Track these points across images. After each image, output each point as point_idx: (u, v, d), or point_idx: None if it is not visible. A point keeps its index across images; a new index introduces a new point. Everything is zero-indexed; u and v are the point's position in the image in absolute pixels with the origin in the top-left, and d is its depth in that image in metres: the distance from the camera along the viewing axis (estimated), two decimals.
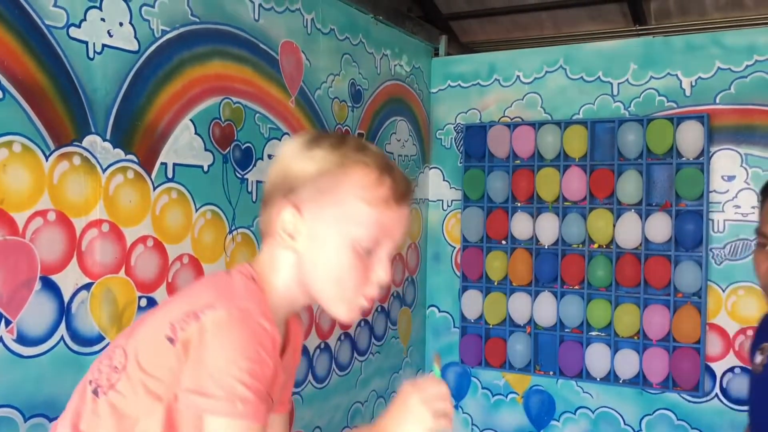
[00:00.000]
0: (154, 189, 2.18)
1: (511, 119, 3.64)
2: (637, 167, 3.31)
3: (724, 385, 3.19)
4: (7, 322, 1.77)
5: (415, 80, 3.72)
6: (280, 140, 2.68)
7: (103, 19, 2.00)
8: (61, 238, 1.89)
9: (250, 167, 2.57)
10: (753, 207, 3.14)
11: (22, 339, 1.80)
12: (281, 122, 2.71)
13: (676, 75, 3.29)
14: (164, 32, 2.20)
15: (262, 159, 2.61)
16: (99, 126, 2.00)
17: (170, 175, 2.23)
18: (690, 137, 3.18)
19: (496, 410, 3.70)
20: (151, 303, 2.15)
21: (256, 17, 2.59)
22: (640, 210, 3.28)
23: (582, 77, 3.50)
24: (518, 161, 3.57)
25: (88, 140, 1.96)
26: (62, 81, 1.89)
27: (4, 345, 1.76)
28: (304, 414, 2.88)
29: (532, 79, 3.61)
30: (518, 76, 3.64)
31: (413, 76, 3.70)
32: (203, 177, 2.36)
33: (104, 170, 2.01)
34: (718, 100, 3.21)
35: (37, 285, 1.84)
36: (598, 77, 3.46)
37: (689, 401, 3.26)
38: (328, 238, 1.12)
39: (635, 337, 3.30)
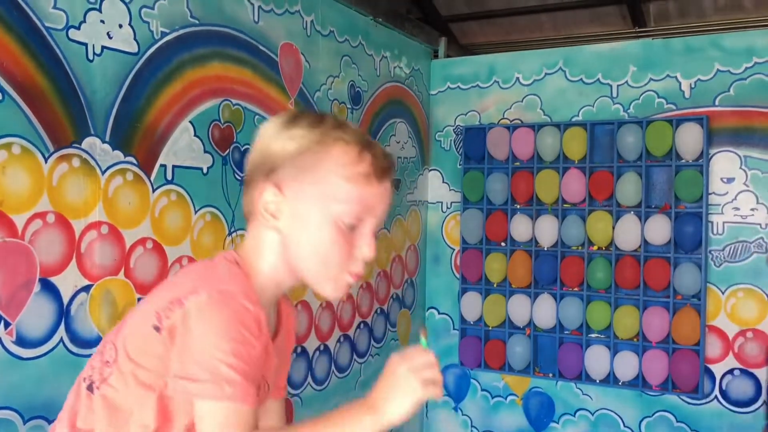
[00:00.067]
0: (154, 191, 2.18)
1: (511, 121, 3.64)
2: (637, 169, 3.31)
3: (724, 387, 3.19)
4: (7, 324, 1.77)
5: (415, 82, 3.72)
6: None
7: (102, 21, 2.01)
8: (61, 240, 1.89)
9: None
10: (752, 209, 3.15)
11: (22, 341, 1.80)
12: None
13: (676, 77, 3.29)
14: (164, 34, 2.20)
15: None
16: (98, 128, 2.00)
17: (169, 177, 2.23)
18: (689, 139, 3.18)
19: (495, 412, 3.70)
20: None
21: (256, 19, 2.59)
22: (639, 212, 3.28)
23: (581, 79, 3.50)
24: (518, 163, 3.57)
25: (87, 142, 1.96)
26: (62, 83, 1.89)
27: (4, 347, 1.76)
28: (304, 415, 2.88)
29: (531, 81, 3.61)
30: (518, 78, 3.65)
31: (413, 78, 3.70)
32: (203, 179, 2.36)
33: (103, 172, 2.01)
34: (717, 102, 3.21)
35: (37, 287, 1.83)
36: (598, 79, 3.46)
37: (689, 403, 3.26)
38: (311, 215, 1.12)
39: (635, 339, 3.30)
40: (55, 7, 1.88)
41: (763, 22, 3.92)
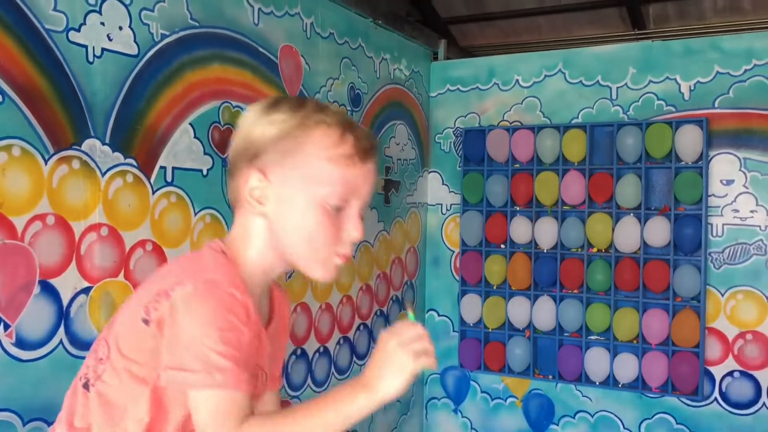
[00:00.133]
0: (154, 193, 2.18)
1: (510, 123, 3.64)
2: (636, 171, 3.31)
3: (723, 389, 3.19)
4: (6, 326, 1.77)
5: (415, 84, 3.73)
6: None
7: (102, 23, 2.01)
8: (60, 241, 1.89)
9: None
10: (752, 211, 3.15)
11: (21, 343, 1.80)
12: None
13: (675, 79, 3.30)
14: (164, 36, 2.20)
15: None
16: (98, 130, 2.00)
17: (169, 179, 2.23)
18: (689, 141, 3.18)
19: (495, 414, 3.70)
20: None
21: (256, 21, 2.59)
22: (639, 214, 3.29)
23: (581, 81, 3.50)
24: (517, 165, 3.57)
25: (87, 144, 1.97)
26: (62, 85, 1.90)
27: (3, 349, 1.76)
28: None
29: (531, 83, 3.62)
30: (517, 80, 3.65)
31: (412, 80, 3.70)
32: (202, 181, 2.36)
33: (103, 174, 2.01)
34: (716, 105, 3.21)
35: (36, 289, 1.83)
36: (597, 81, 3.46)
37: (688, 405, 3.26)
38: (296, 199, 1.13)
39: (634, 341, 3.30)
40: (55, 9, 1.88)
41: (763, 25, 3.93)
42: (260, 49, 2.60)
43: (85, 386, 1.15)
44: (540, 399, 3.60)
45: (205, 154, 2.37)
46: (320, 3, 2.95)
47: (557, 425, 3.55)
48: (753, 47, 3.16)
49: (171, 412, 1.12)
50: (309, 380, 2.93)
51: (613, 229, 3.32)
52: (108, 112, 2.02)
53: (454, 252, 3.80)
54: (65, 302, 1.91)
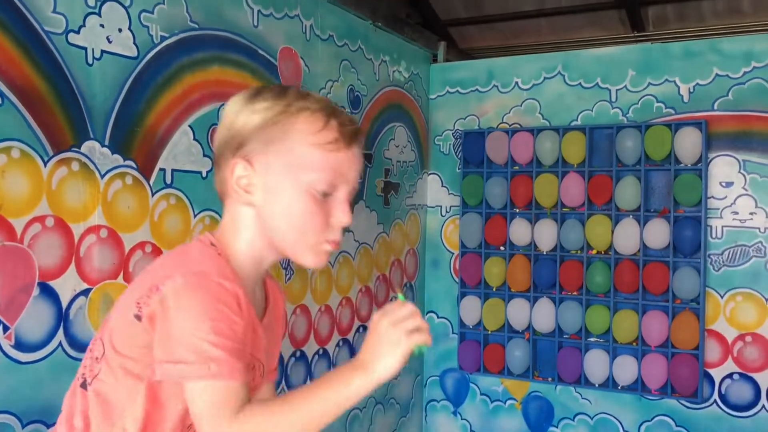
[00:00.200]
0: (153, 195, 2.18)
1: (510, 125, 3.64)
2: (636, 173, 3.32)
3: (723, 392, 3.19)
4: (5, 328, 1.77)
5: (414, 86, 3.73)
6: None
7: (102, 25, 2.01)
8: (60, 243, 1.89)
9: None
10: (751, 213, 3.15)
11: (20, 345, 1.80)
12: None
13: (674, 81, 3.30)
14: (163, 38, 2.20)
15: None
16: (98, 132, 2.00)
17: (169, 181, 2.23)
18: (688, 143, 3.18)
19: (494, 416, 3.70)
20: None
21: (255, 23, 2.59)
22: (638, 216, 3.29)
23: (580, 83, 3.50)
24: (517, 167, 3.58)
25: (86, 146, 1.97)
26: (61, 87, 1.90)
27: (2, 351, 1.76)
28: None
29: (530, 86, 3.62)
30: (517, 83, 3.65)
31: (412, 82, 3.71)
32: (202, 183, 2.36)
33: (103, 176, 2.01)
34: (716, 107, 3.22)
35: (36, 291, 1.83)
36: (597, 83, 3.47)
37: (688, 407, 3.26)
38: (283, 186, 1.13)
39: (634, 343, 3.30)
40: (54, 11, 1.88)
41: (762, 27, 3.93)
42: (260, 51, 2.60)
43: (83, 386, 1.15)
44: (539, 401, 3.60)
45: (204, 156, 2.37)
46: (320, 5, 2.95)
47: (557, 427, 3.55)
48: (752, 49, 3.17)
49: (168, 406, 1.12)
50: (308, 382, 2.92)
51: (612, 231, 3.33)
52: (107, 114, 2.02)
53: (453, 254, 3.80)
54: (64, 304, 1.91)
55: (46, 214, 1.86)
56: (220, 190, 1.20)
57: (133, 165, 2.11)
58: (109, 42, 2.03)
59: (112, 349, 1.12)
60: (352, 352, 3.23)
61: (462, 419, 3.77)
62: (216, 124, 2.39)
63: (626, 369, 3.30)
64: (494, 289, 3.61)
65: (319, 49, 2.95)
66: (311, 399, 1.05)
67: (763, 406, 3.12)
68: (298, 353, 2.87)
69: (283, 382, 2.77)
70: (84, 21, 1.96)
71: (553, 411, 3.56)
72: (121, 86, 2.07)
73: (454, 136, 3.81)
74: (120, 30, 2.06)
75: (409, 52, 3.69)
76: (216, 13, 2.41)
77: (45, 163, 1.86)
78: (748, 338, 3.15)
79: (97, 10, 2.00)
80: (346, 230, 3.37)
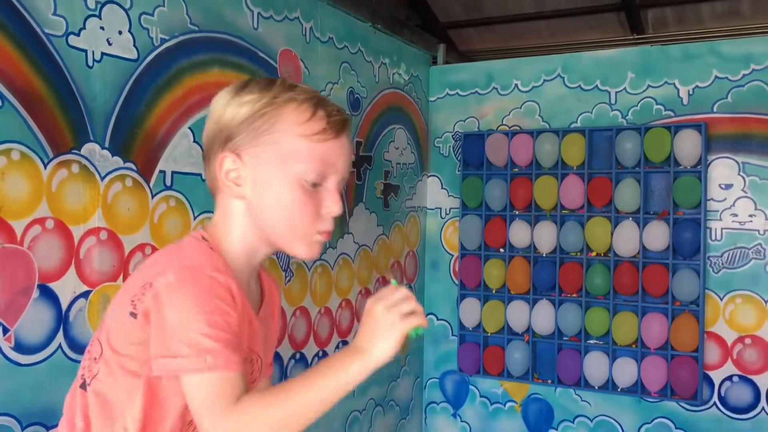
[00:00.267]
0: (153, 197, 2.18)
1: (510, 127, 3.65)
2: (635, 175, 3.32)
3: (723, 394, 3.19)
4: (5, 330, 1.77)
5: (414, 88, 3.73)
6: None
7: (102, 28, 2.01)
8: (60, 245, 1.89)
9: None
10: (750, 215, 3.15)
11: (20, 347, 1.80)
12: None
13: (674, 84, 3.30)
14: (163, 40, 2.21)
15: None
16: (98, 134, 2.00)
17: (169, 183, 2.23)
18: (687, 146, 3.18)
19: (494, 418, 3.70)
20: None
21: (255, 26, 2.59)
22: (637, 218, 3.29)
23: (580, 86, 3.51)
24: (516, 169, 3.58)
25: (86, 148, 1.97)
26: (61, 89, 1.90)
27: (2, 353, 1.76)
28: None
29: (530, 88, 3.62)
30: (516, 85, 3.65)
31: (411, 84, 3.71)
32: (202, 185, 2.36)
33: (103, 178, 2.01)
34: (715, 109, 3.22)
35: (35, 293, 1.83)
36: (596, 86, 3.47)
37: (687, 410, 3.26)
38: (273, 178, 1.13)
39: (633, 346, 3.30)
40: (54, 14, 1.88)
41: (761, 30, 3.94)
42: (260, 54, 2.61)
43: (83, 386, 1.16)
44: (539, 403, 3.60)
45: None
46: (319, 7, 2.96)
47: (556, 430, 3.55)
48: (751, 52, 3.17)
49: (167, 403, 1.12)
50: None
51: (612, 234, 3.33)
52: (107, 117, 2.03)
53: (453, 256, 3.80)
54: (64, 306, 1.91)
55: (46, 216, 1.86)
56: (211, 185, 1.20)
57: (133, 167, 2.11)
58: (110, 44, 2.03)
59: (110, 348, 1.12)
60: None
61: (462, 421, 3.77)
62: None
63: (626, 371, 3.30)
64: (494, 291, 3.61)
65: (318, 51, 2.95)
66: (309, 386, 1.04)
67: (763, 409, 3.12)
68: (297, 355, 2.87)
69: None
70: (84, 23, 1.96)
71: (552, 413, 3.56)
72: (121, 88, 2.07)
73: (453, 138, 3.81)
74: (120, 32, 2.07)
75: (408, 54, 3.70)
76: (216, 16, 2.42)
77: (45, 165, 1.86)
78: (748, 340, 3.15)
79: (97, 13, 2.00)
80: (346, 232, 3.38)
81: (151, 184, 2.17)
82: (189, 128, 2.30)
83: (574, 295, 3.43)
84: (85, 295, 1.96)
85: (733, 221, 3.18)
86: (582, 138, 3.41)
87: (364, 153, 3.30)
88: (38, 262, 1.84)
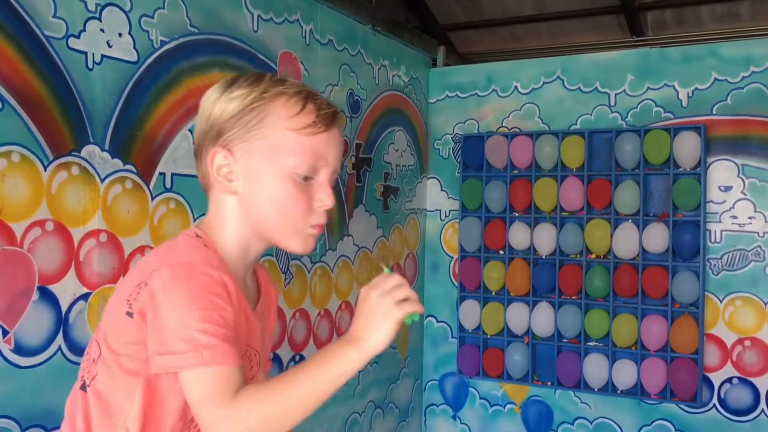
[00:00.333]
0: (153, 199, 2.18)
1: (509, 129, 3.65)
2: (635, 177, 3.32)
3: (722, 396, 3.19)
4: (5, 333, 1.77)
5: (413, 90, 3.73)
6: None
7: (102, 30, 2.01)
8: (59, 248, 1.89)
9: None
10: (750, 217, 3.15)
11: (20, 349, 1.80)
12: None
13: (673, 86, 3.31)
14: (163, 43, 2.21)
15: None
16: (98, 136, 2.00)
17: (168, 185, 2.23)
18: (687, 148, 3.19)
19: (494, 421, 3.70)
20: None
21: (255, 28, 2.60)
22: (637, 220, 3.29)
23: (579, 88, 3.51)
24: (516, 171, 3.58)
25: (86, 150, 1.97)
26: (61, 91, 1.90)
27: (2, 355, 1.76)
28: (302, 424, 2.87)
29: (529, 90, 3.63)
30: (516, 87, 3.66)
31: (411, 86, 3.71)
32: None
33: (102, 180, 2.01)
34: (714, 111, 3.22)
35: (35, 295, 1.83)
36: (596, 88, 3.47)
37: (687, 412, 3.26)
38: (264, 172, 1.13)
39: (633, 348, 3.30)
40: (55, 16, 1.88)
41: (760, 32, 3.95)
42: (259, 56, 2.61)
43: (83, 388, 1.16)
44: (539, 405, 3.60)
45: None
46: (319, 10, 2.96)
47: None
48: (751, 54, 3.17)
49: (167, 401, 1.12)
50: None
51: (611, 236, 3.33)
52: (107, 119, 2.03)
53: (452, 258, 3.80)
54: (64, 308, 1.91)
55: (46, 219, 1.86)
56: (203, 182, 1.20)
57: (133, 169, 2.11)
58: (110, 47, 2.04)
59: (108, 349, 1.12)
60: None
61: (461, 423, 3.77)
62: None
63: (625, 373, 3.30)
64: (493, 293, 3.62)
65: (318, 53, 2.96)
66: (307, 377, 1.04)
67: (762, 411, 3.12)
68: (297, 357, 2.86)
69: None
70: (84, 26, 1.96)
71: (552, 415, 3.56)
72: (121, 91, 2.07)
73: (453, 141, 3.81)
74: (120, 35, 2.07)
75: (408, 56, 3.70)
76: (216, 18, 2.42)
77: (45, 168, 1.86)
78: (747, 342, 3.15)
79: (97, 15, 2.00)
80: (345, 234, 3.38)
81: (151, 186, 2.17)
82: (189, 130, 2.30)
83: (574, 297, 3.43)
84: (84, 297, 1.96)
85: (732, 223, 3.19)
86: (581, 140, 3.41)
87: (364, 155, 3.30)
88: (38, 264, 1.84)
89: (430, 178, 3.88)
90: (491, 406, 3.70)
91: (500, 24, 4.41)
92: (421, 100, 3.81)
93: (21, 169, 1.80)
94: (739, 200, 3.18)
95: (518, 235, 3.54)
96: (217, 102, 1.16)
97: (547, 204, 3.47)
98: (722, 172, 3.20)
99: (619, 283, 3.32)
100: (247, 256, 1.20)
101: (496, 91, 3.71)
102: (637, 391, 3.29)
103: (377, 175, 3.41)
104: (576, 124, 3.51)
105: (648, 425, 3.34)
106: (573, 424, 3.51)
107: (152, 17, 2.17)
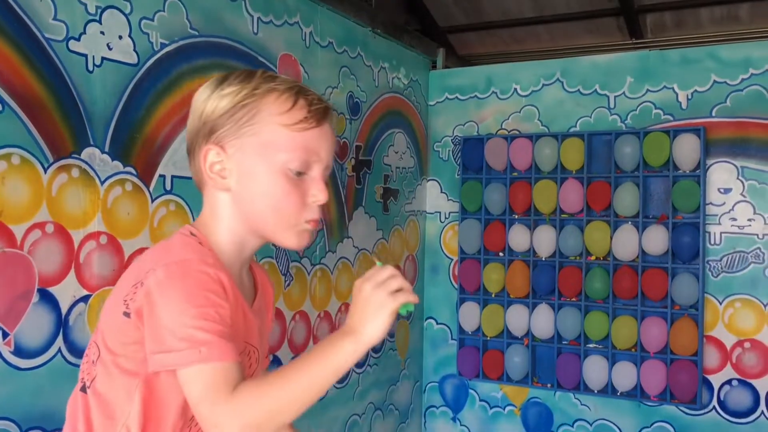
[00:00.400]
0: (153, 201, 2.18)
1: (509, 132, 3.65)
2: (634, 180, 3.32)
3: (722, 398, 3.19)
4: (5, 335, 1.77)
5: (413, 93, 3.74)
6: None
7: (102, 33, 2.02)
8: (60, 250, 1.90)
9: None
10: (749, 219, 3.16)
11: (20, 351, 1.80)
12: None
13: (672, 88, 3.31)
14: (163, 45, 2.21)
15: None
16: (98, 138, 2.00)
17: (168, 187, 2.24)
18: (686, 150, 3.19)
19: (493, 423, 3.70)
20: None
21: (255, 30, 2.60)
22: (636, 222, 3.29)
23: (579, 90, 3.51)
24: (515, 173, 3.58)
25: (86, 152, 1.97)
26: (61, 93, 1.90)
27: (2, 357, 1.76)
28: (302, 426, 2.87)
29: (529, 92, 3.63)
30: (515, 89, 3.66)
31: (411, 88, 3.72)
32: None
33: (102, 182, 2.02)
34: (714, 113, 3.23)
35: (35, 297, 1.84)
36: (595, 90, 3.48)
37: (687, 414, 3.26)
38: (257, 168, 1.13)
39: (633, 350, 3.30)
40: (55, 19, 1.89)
41: (760, 34, 3.95)
42: (259, 58, 2.61)
43: (83, 389, 1.16)
44: (538, 407, 3.60)
45: None
46: (319, 12, 2.97)
47: None
48: (750, 56, 3.18)
49: (167, 400, 1.12)
50: None
51: (611, 238, 3.33)
52: (107, 121, 2.03)
53: (452, 260, 3.81)
54: (64, 310, 1.91)
55: (46, 221, 1.86)
56: (196, 179, 1.21)
57: (133, 171, 2.11)
58: (110, 49, 2.04)
59: (106, 350, 1.12)
60: None
61: (461, 425, 3.77)
62: None
63: (625, 375, 3.30)
64: (493, 295, 3.62)
65: (318, 55, 2.96)
66: (304, 370, 1.04)
67: (762, 413, 3.12)
68: None
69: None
70: (84, 28, 1.97)
71: (552, 417, 3.56)
72: (121, 93, 2.07)
73: (453, 143, 3.82)
74: (120, 37, 2.07)
75: (408, 58, 3.70)
76: (216, 21, 2.42)
77: (45, 170, 1.86)
78: (747, 344, 3.15)
79: (97, 18, 2.01)
80: (345, 236, 3.38)
81: (151, 189, 2.18)
82: None
83: (574, 299, 3.43)
84: (84, 299, 1.97)
85: (732, 225, 3.19)
86: (581, 142, 3.42)
87: (364, 157, 3.30)
88: (38, 266, 1.84)
89: (429, 180, 3.88)
90: (491, 408, 3.71)
91: (500, 26, 4.41)
92: (421, 102, 3.82)
93: (21, 172, 1.80)
94: (738, 202, 3.18)
95: (518, 237, 3.54)
96: (209, 99, 1.16)
97: (546, 206, 3.48)
98: (722, 174, 3.21)
99: (618, 285, 3.32)
100: (242, 253, 1.20)
101: (495, 93, 3.71)
102: (637, 393, 3.29)
103: (377, 177, 3.41)
104: (575, 126, 3.51)
105: (648, 427, 3.34)
106: (573, 426, 3.51)
107: (152, 20, 2.17)
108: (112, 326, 1.12)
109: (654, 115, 3.34)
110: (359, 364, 3.29)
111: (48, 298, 1.87)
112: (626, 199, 3.29)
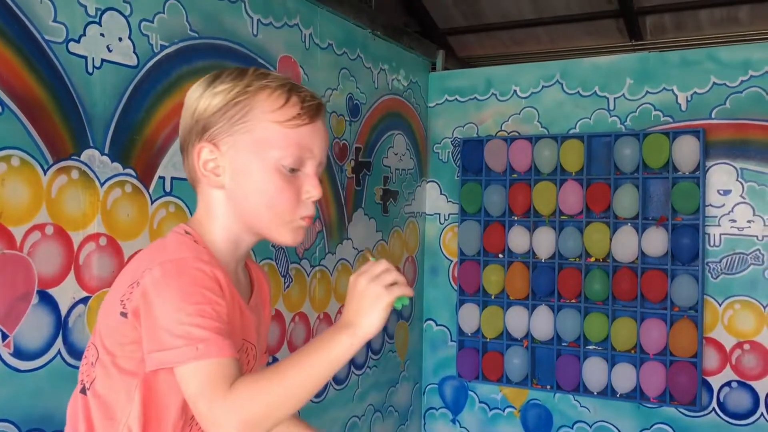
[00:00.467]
0: (152, 203, 2.18)
1: (508, 133, 3.66)
2: (634, 181, 3.33)
3: (721, 400, 3.19)
4: (4, 336, 1.77)
5: (413, 94, 3.74)
6: None
7: (102, 35, 2.02)
8: (59, 251, 1.90)
9: None
10: (749, 221, 3.16)
11: (19, 353, 1.80)
12: None
13: (672, 90, 3.31)
14: (163, 47, 2.21)
15: None
16: (97, 140, 2.00)
17: (168, 189, 2.24)
18: (686, 151, 3.19)
19: (493, 424, 3.70)
20: None
21: (255, 32, 2.60)
22: (636, 224, 3.29)
23: (578, 92, 3.52)
24: (515, 175, 3.59)
25: (86, 154, 1.97)
26: (61, 95, 1.90)
27: (1, 359, 1.76)
28: None
29: (528, 94, 3.63)
30: (515, 91, 3.66)
31: (411, 90, 3.72)
32: None
33: (102, 184, 2.02)
34: (713, 115, 3.23)
35: (35, 299, 1.84)
36: (595, 92, 3.48)
37: (686, 415, 3.26)
38: (251, 166, 1.14)
39: (632, 351, 3.30)
40: (55, 21, 1.89)
41: (759, 36, 3.96)
42: (259, 60, 2.61)
43: (83, 391, 1.16)
44: (538, 409, 3.60)
45: None
46: (319, 14, 2.97)
47: None
48: (749, 58, 3.18)
49: (166, 399, 1.12)
50: None
51: (610, 239, 3.33)
52: (107, 123, 2.03)
53: (452, 261, 3.81)
54: (63, 312, 1.91)
55: (46, 222, 1.86)
56: (190, 178, 1.21)
57: (133, 173, 2.11)
58: (110, 51, 2.04)
59: (105, 350, 1.13)
60: (351, 359, 3.22)
61: (461, 427, 3.77)
62: None
63: (625, 377, 3.30)
64: (493, 297, 3.62)
65: (318, 57, 2.96)
66: (301, 365, 1.04)
67: (762, 414, 3.12)
68: None
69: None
70: (84, 30, 1.97)
71: (551, 419, 3.56)
72: (121, 95, 2.07)
73: (452, 144, 3.82)
74: (120, 39, 2.07)
75: (407, 60, 3.71)
76: (216, 22, 2.42)
77: (45, 172, 1.86)
78: (747, 346, 3.15)
79: (97, 20, 2.01)
80: (345, 238, 3.38)
81: (151, 190, 2.18)
82: None
83: (573, 300, 3.43)
84: (84, 301, 1.97)
85: (731, 227, 3.19)
86: (581, 144, 3.42)
87: (364, 159, 3.30)
88: (38, 267, 1.84)
89: (429, 181, 3.88)
90: (490, 410, 3.71)
91: (499, 28, 4.42)
92: (421, 104, 3.82)
93: (21, 173, 1.80)
94: (738, 204, 3.18)
95: (517, 239, 3.54)
96: (202, 97, 1.16)
97: (546, 208, 3.48)
98: (721, 175, 3.21)
99: (618, 286, 3.32)
100: (237, 250, 1.21)
101: (495, 95, 3.72)
102: (637, 394, 3.29)
103: (377, 178, 3.41)
104: (575, 128, 3.51)
105: (647, 429, 3.34)
106: (572, 428, 3.51)
107: (152, 22, 2.18)
108: (110, 327, 1.12)
109: (653, 117, 3.34)
110: (359, 366, 3.29)
111: (47, 300, 1.87)
112: (626, 200, 3.30)
